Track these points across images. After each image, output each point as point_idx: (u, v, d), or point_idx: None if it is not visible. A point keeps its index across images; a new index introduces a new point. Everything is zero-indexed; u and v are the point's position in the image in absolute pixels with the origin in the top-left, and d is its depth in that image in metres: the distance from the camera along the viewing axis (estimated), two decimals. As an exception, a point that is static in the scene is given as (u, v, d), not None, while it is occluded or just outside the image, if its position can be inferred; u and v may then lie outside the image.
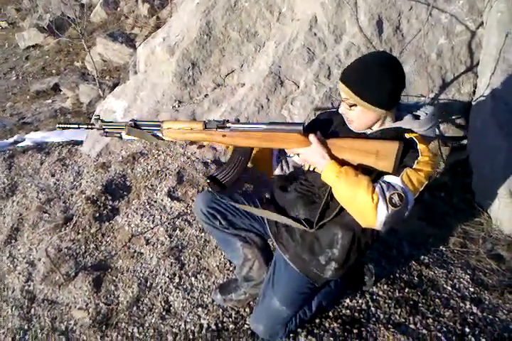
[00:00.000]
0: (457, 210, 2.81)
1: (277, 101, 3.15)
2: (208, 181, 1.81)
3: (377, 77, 1.50)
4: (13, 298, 2.45)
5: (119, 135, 1.80)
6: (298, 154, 1.68)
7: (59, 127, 1.87)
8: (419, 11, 3.02)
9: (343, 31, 3.10)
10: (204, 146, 1.84)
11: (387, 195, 1.45)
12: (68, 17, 7.59)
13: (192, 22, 3.48)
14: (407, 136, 1.58)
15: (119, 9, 9.60)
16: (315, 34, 3.12)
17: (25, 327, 2.28)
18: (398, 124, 1.60)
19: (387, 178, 1.52)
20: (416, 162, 1.52)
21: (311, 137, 1.60)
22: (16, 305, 2.40)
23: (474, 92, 3.07)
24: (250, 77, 3.35)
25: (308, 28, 3.12)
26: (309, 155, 1.62)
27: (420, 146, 1.54)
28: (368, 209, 1.45)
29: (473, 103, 3.02)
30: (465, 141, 3.15)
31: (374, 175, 1.54)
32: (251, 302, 2.16)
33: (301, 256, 1.81)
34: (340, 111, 1.66)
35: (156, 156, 3.29)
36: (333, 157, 1.58)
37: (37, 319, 2.31)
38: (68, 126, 1.87)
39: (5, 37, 11.53)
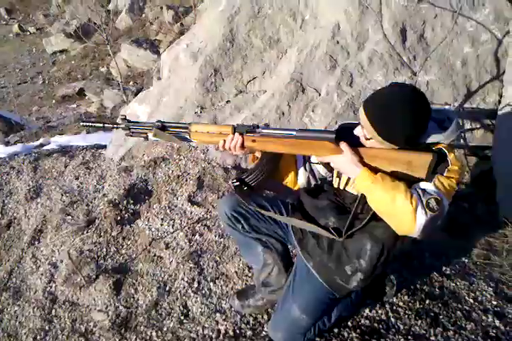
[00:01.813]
0: (481, 222, 2.76)
1: (298, 109, 3.15)
2: (237, 183, 1.81)
3: (400, 121, 1.48)
4: (35, 299, 2.50)
5: (145, 135, 1.80)
6: (329, 163, 1.68)
7: (83, 125, 1.88)
8: (443, 18, 2.99)
9: (366, 39, 3.09)
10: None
11: (424, 199, 1.44)
12: (94, 23, 7.76)
13: (215, 29, 3.51)
14: (434, 148, 1.57)
15: (143, 16, 9.77)
16: (338, 41, 3.12)
17: (46, 327, 2.31)
18: (423, 139, 1.58)
19: (420, 185, 1.52)
20: (446, 170, 1.52)
21: (343, 145, 1.60)
22: (38, 305, 2.45)
23: (500, 102, 3.03)
24: (272, 84, 3.36)
25: (331, 35, 3.12)
26: (341, 163, 1.62)
27: (450, 156, 1.54)
28: (406, 215, 1.44)
29: (498, 112, 2.97)
30: (490, 151, 3.09)
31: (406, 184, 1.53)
32: (269, 309, 2.15)
33: (326, 265, 1.80)
34: (355, 132, 1.65)
35: (177, 161, 3.32)
36: (364, 165, 1.58)
37: (58, 320, 2.35)
38: (92, 124, 1.87)
39: (33, 42, 11.82)
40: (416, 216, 1.43)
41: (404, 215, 1.45)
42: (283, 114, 3.15)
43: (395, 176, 1.54)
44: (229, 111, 3.39)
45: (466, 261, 2.48)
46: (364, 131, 1.58)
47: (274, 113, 3.15)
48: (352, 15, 3.04)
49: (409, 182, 1.53)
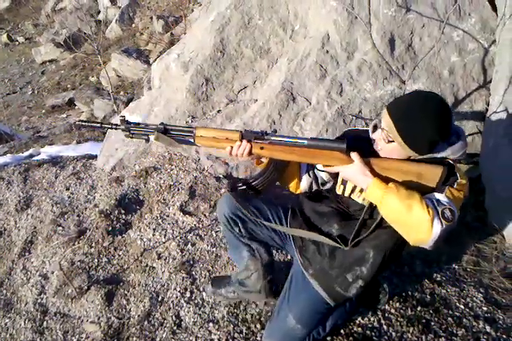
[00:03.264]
0: (470, 228, 2.78)
1: (289, 118, 3.17)
2: (243, 188, 1.81)
3: (426, 126, 1.50)
4: (26, 311, 2.47)
5: (146, 138, 1.76)
6: (338, 172, 1.68)
7: (79, 124, 1.80)
8: (431, 28, 3.04)
9: (355, 48, 3.13)
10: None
11: (439, 209, 1.44)
12: (84, 33, 7.76)
13: (206, 39, 3.54)
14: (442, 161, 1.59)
15: (133, 25, 9.79)
16: (327, 51, 3.16)
17: (38, 340, 2.30)
18: (433, 154, 1.60)
19: (434, 195, 1.52)
20: (456, 183, 1.53)
21: (354, 155, 1.60)
22: (29, 317, 2.42)
23: (487, 110, 3.08)
24: (263, 93, 3.39)
25: (321, 45, 3.16)
26: (351, 173, 1.61)
27: (458, 170, 1.56)
28: (423, 224, 1.43)
29: (486, 121, 3.02)
30: (478, 158, 3.13)
31: None
32: (262, 318, 2.15)
33: (327, 272, 1.81)
34: (373, 136, 1.66)
35: (168, 171, 3.32)
36: (375, 175, 1.58)
37: (49, 332, 2.33)
38: (89, 124, 1.81)
39: (22, 52, 11.78)
40: (433, 225, 1.42)
41: (420, 225, 1.44)
42: (274, 122, 3.17)
43: (407, 187, 1.54)
44: (220, 121, 3.41)
45: (457, 267, 2.50)
46: (385, 133, 1.58)
47: (265, 122, 3.17)
48: (341, 25, 3.08)
49: (421, 193, 1.52)
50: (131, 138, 1.78)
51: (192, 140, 1.73)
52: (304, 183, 1.90)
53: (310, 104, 3.16)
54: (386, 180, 1.56)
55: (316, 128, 3.07)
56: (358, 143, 1.65)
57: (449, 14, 2.90)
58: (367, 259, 1.74)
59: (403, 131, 1.52)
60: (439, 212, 1.44)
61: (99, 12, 11.34)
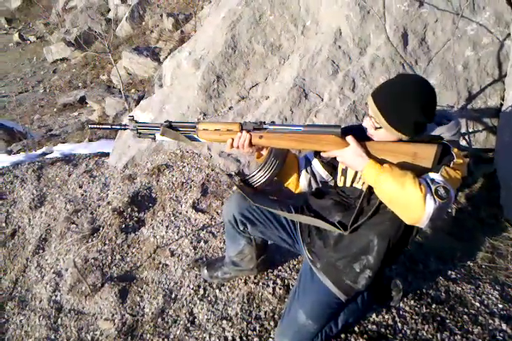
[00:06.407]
0: (485, 225, 2.75)
1: (301, 114, 3.16)
2: (241, 184, 1.83)
3: (409, 106, 1.51)
4: (41, 308, 2.49)
5: (152, 136, 1.83)
6: (334, 158, 1.70)
7: (91, 127, 1.91)
8: (444, 22, 3.00)
9: (367, 44, 3.10)
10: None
11: (433, 187, 1.45)
12: (95, 31, 7.79)
13: (217, 36, 3.53)
14: (438, 141, 1.59)
15: (144, 23, 9.80)
16: (339, 47, 3.13)
17: (52, 336, 2.31)
18: (425, 133, 1.61)
19: (428, 175, 1.53)
20: (452, 163, 1.54)
21: (349, 138, 1.61)
22: (44, 314, 2.44)
23: (502, 104, 3.03)
24: (274, 90, 3.37)
25: (333, 40, 3.13)
26: (348, 156, 1.62)
27: (454, 150, 1.56)
28: (416, 201, 1.43)
29: (500, 115, 2.98)
30: (493, 154, 3.10)
31: None
32: (275, 315, 2.15)
33: (334, 264, 1.81)
34: (363, 124, 1.68)
35: (180, 168, 3.33)
36: (371, 157, 1.59)
37: (63, 329, 2.34)
38: (100, 126, 1.91)
39: (33, 51, 11.87)
40: (426, 202, 1.42)
41: (414, 202, 1.44)
42: (286, 119, 3.16)
43: (402, 167, 1.55)
44: (232, 118, 3.40)
45: (471, 264, 2.47)
46: (372, 120, 1.61)
47: (276, 118, 3.16)
48: (353, 20, 3.05)
49: (416, 173, 1.53)
50: (139, 137, 1.86)
51: (196, 135, 1.79)
52: (303, 180, 1.94)
53: (322, 100, 3.14)
54: (382, 162, 1.57)
55: (328, 125, 3.05)
56: (352, 131, 1.67)
57: (463, 8, 2.86)
58: (372, 247, 1.74)
59: (388, 117, 1.55)
60: (433, 190, 1.44)
61: (109, 10, 11.37)
